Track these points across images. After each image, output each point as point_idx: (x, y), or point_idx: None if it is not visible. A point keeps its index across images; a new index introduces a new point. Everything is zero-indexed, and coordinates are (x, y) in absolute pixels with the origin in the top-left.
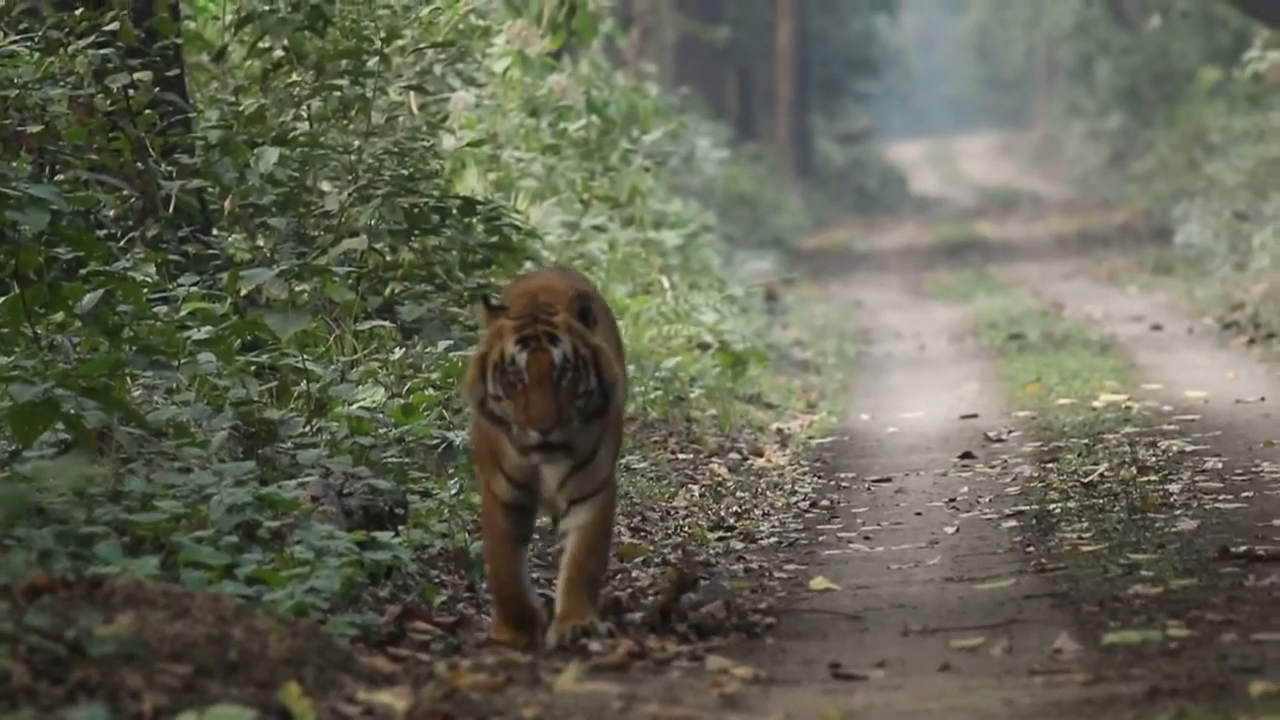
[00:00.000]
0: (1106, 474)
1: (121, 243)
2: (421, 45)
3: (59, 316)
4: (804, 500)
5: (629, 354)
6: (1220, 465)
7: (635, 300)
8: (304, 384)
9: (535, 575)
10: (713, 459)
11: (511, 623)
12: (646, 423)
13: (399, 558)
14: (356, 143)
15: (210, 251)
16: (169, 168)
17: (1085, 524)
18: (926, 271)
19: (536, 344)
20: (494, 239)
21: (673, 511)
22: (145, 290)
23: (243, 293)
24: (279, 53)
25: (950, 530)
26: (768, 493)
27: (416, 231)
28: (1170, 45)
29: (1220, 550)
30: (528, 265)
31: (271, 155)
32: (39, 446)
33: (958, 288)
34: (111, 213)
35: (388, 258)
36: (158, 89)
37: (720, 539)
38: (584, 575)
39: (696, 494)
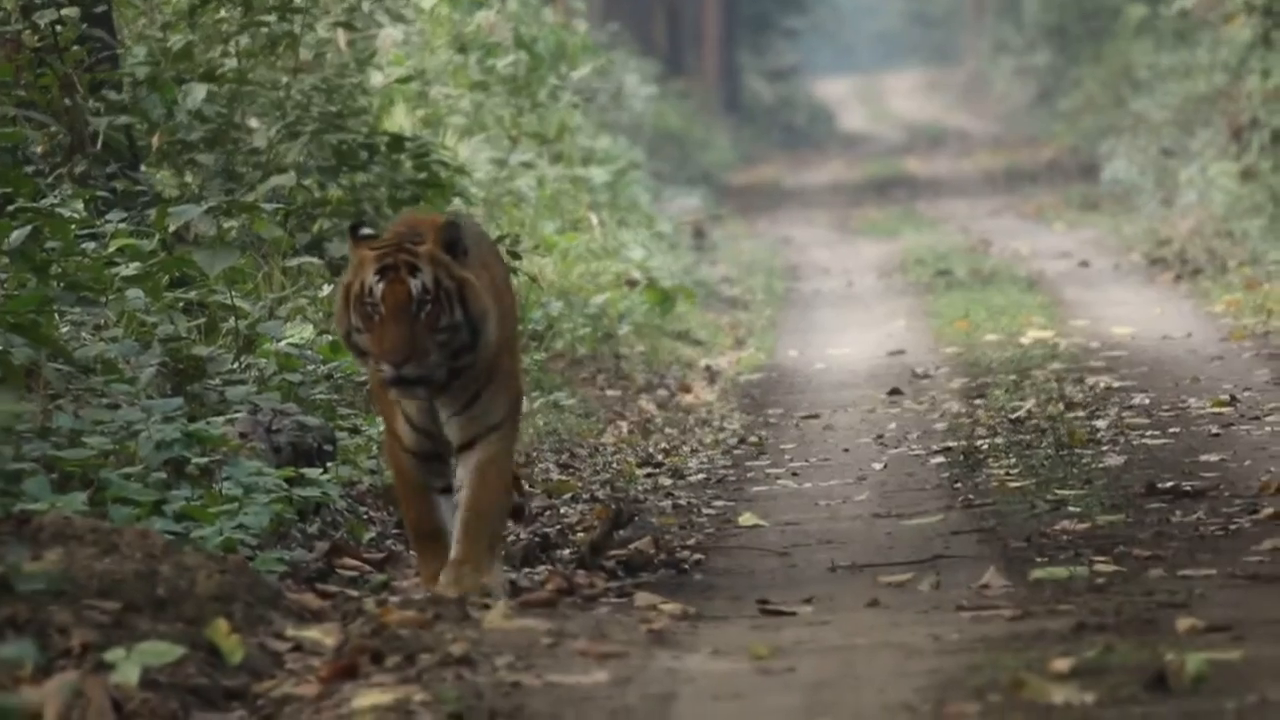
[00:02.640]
0: (1034, 410)
1: (49, 179)
2: None
3: None
4: (732, 437)
5: (557, 290)
6: (1147, 401)
7: (563, 237)
8: (232, 321)
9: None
10: (641, 395)
11: (437, 572)
12: (575, 359)
13: (327, 494)
14: (284, 79)
15: (138, 188)
16: (96, 104)
17: (1013, 460)
18: (854, 208)
19: (395, 274)
20: (422, 175)
21: (601, 448)
22: (73, 227)
23: (171, 229)
24: None
25: (878, 467)
26: (696, 429)
27: (345, 168)
28: None
29: (1147, 486)
30: (456, 202)
31: (199, 92)
32: None
33: (885, 224)
34: (39, 149)
35: (316, 194)
36: (85, 25)
37: (648, 475)
38: (479, 521)
39: (625, 431)
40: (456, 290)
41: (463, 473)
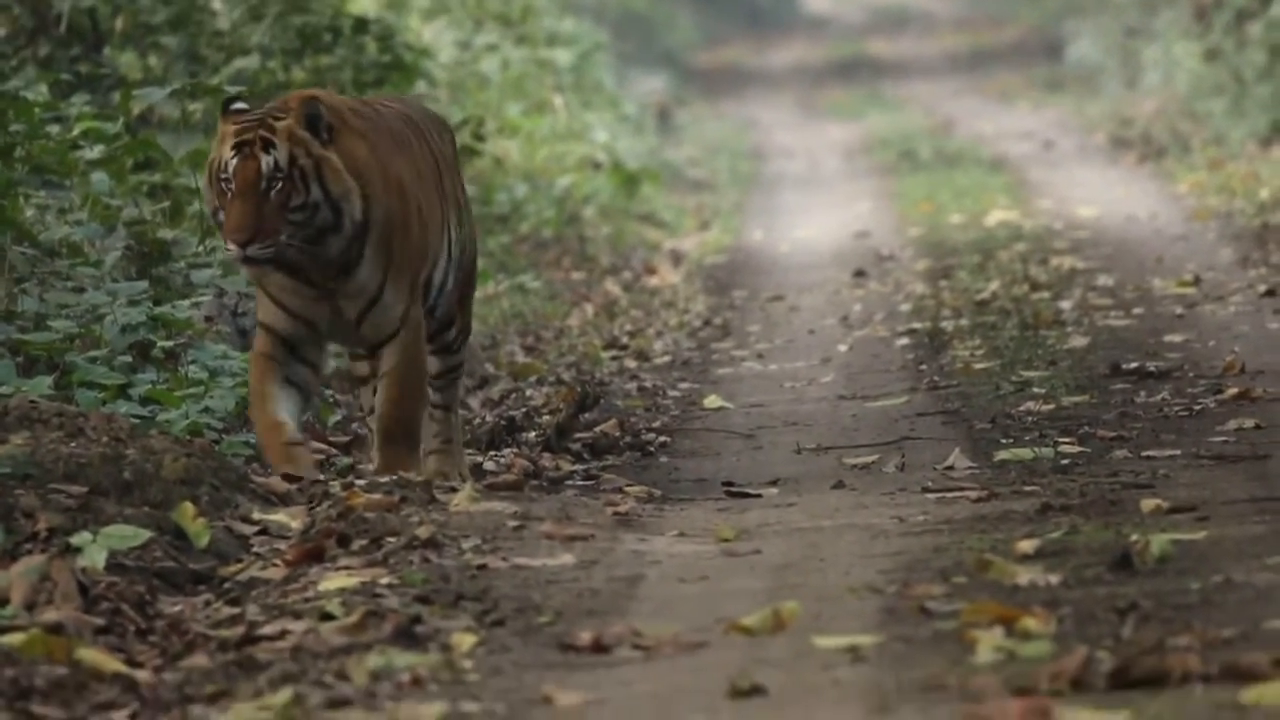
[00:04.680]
0: (998, 292)
1: (13, 62)
2: None
3: None
4: (697, 319)
5: (522, 173)
6: (1112, 282)
7: (528, 119)
8: (196, 204)
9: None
10: (606, 278)
11: (281, 468)
12: (540, 242)
13: None
14: None
15: (102, 71)
16: None
17: (978, 342)
18: (819, 90)
19: (250, 150)
20: (386, 58)
21: (566, 330)
22: (37, 110)
23: (135, 112)
24: None
25: (843, 349)
26: (661, 312)
27: (309, 51)
28: None
29: (1111, 367)
30: (420, 85)
31: None
32: None
33: (849, 106)
34: (2, 32)
35: (280, 77)
36: None
37: (614, 358)
38: (398, 423)
39: (590, 313)
40: (314, 168)
41: (379, 373)
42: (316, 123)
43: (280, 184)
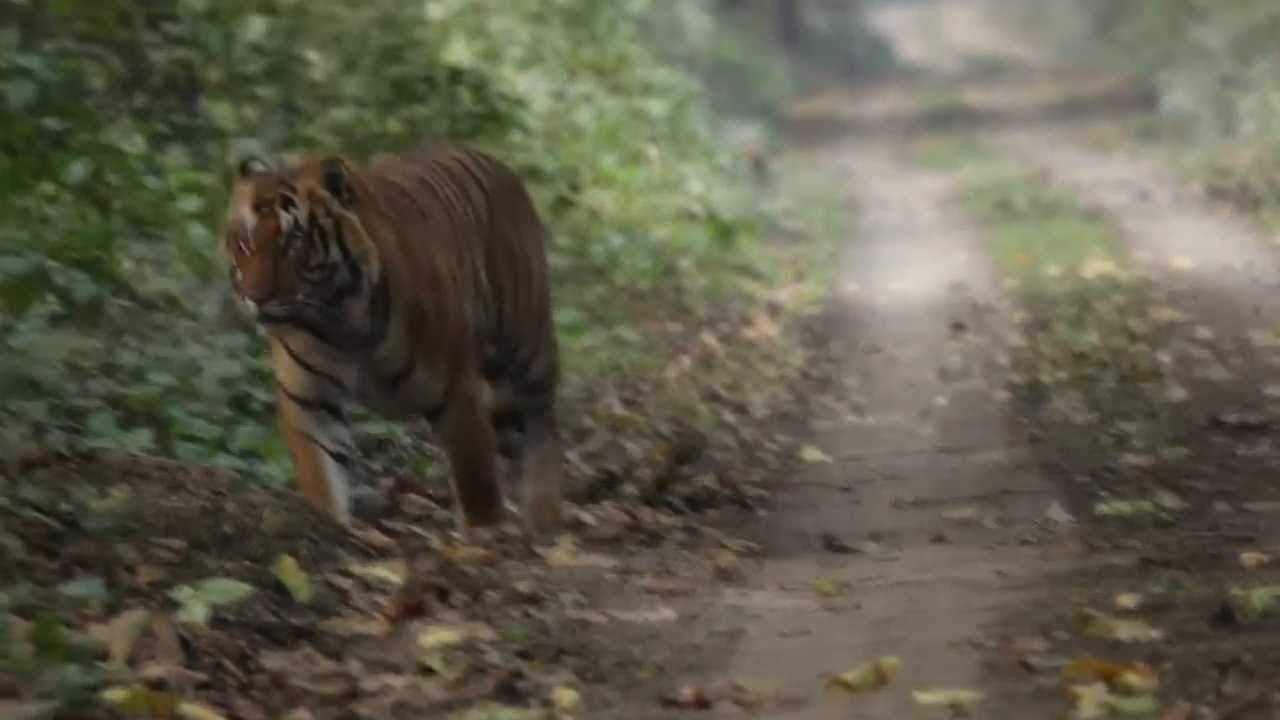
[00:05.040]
0: (1096, 344)
1: (109, 113)
2: None
3: (49, 188)
4: (795, 372)
5: (617, 224)
6: (1210, 333)
7: (623, 170)
8: None
9: None
10: (703, 330)
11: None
12: (636, 294)
13: (392, 431)
14: (343, 12)
15: (198, 122)
16: (155, 37)
17: (1076, 394)
18: (913, 139)
19: (268, 208)
20: (480, 108)
21: (664, 383)
22: (134, 162)
23: (231, 164)
24: None
25: (942, 401)
26: (759, 364)
27: (403, 101)
28: None
29: (1211, 419)
30: (515, 134)
31: (258, 24)
32: (31, 319)
33: (944, 156)
34: (98, 83)
35: (375, 127)
36: None
37: (712, 411)
38: (471, 490)
39: (688, 365)
40: (333, 228)
41: (440, 442)
42: (337, 183)
43: (299, 242)
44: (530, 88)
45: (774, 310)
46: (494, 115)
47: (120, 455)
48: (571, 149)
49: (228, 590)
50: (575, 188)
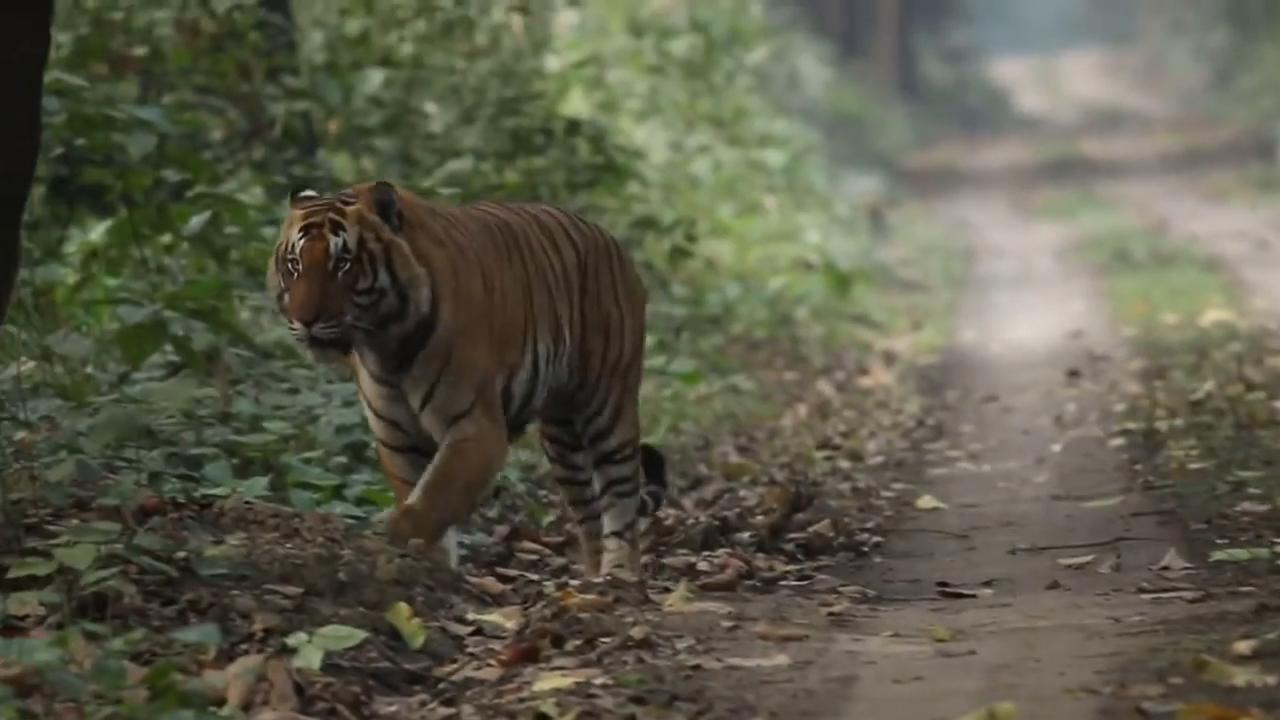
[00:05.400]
0: (1213, 391)
1: (228, 165)
2: None
3: (167, 239)
4: (910, 419)
5: (735, 274)
6: None
7: (740, 220)
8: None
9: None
10: (819, 378)
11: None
12: (753, 343)
13: (507, 478)
14: (461, 64)
15: (316, 173)
16: (274, 90)
17: (1192, 441)
18: (1031, 190)
19: (317, 231)
20: (599, 159)
21: (779, 431)
22: (252, 213)
23: None
24: None
25: (1057, 448)
26: (874, 412)
27: (521, 152)
28: None
29: None
30: (632, 185)
31: (376, 77)
32: (148, 368)
33: (1062, 206)
34: (217, 135)
35: (493, 179)
36: (263, 10)
37: (827, 458)
38: (438, 487)
39: (803, 413)
40: (382, 253)
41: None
42: (388, 209)
43: (348, 265)
44: (648, 139)
45: (890, 359)
46: (611, 166)
47: (236, 503)
48: (689, 199)
49: (342, 636)
50: (692, 238)
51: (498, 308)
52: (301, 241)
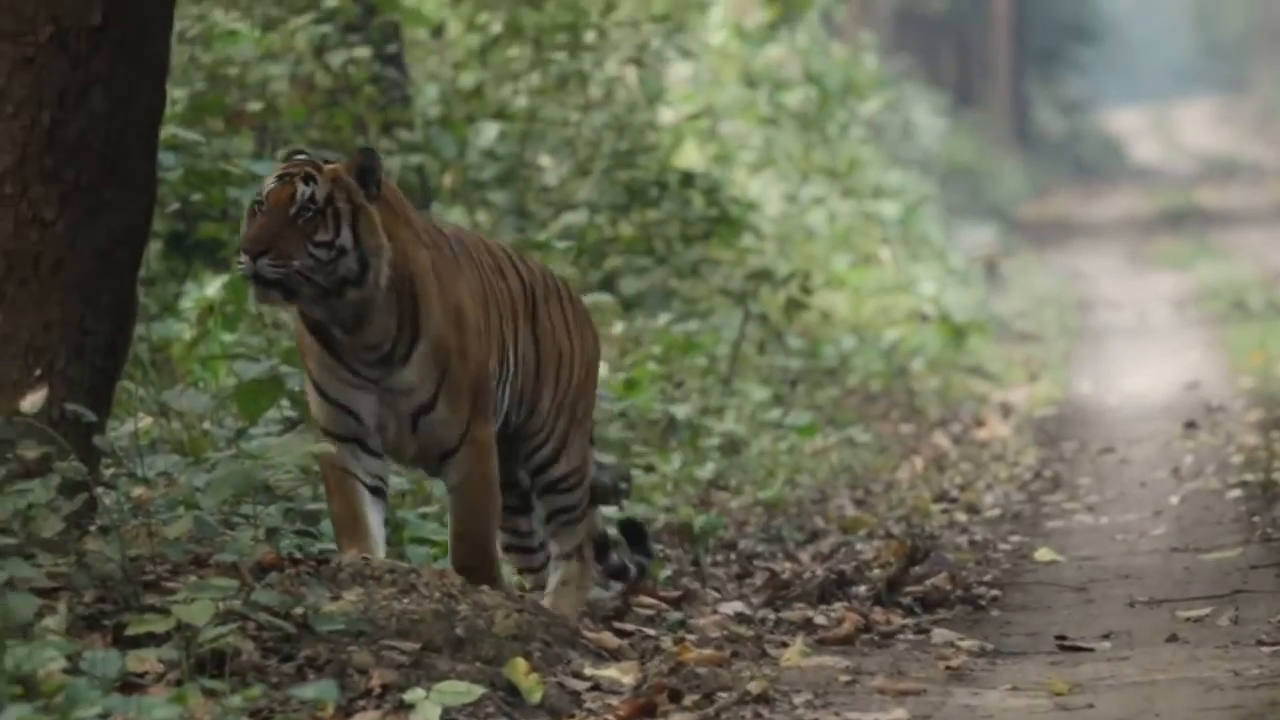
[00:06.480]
0: None
1: None
2: (638, 18)
3: None
4: (1027, 471)
5: (850, 326)
6: None
7: (855, 272)
8: None
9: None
10: (935, 430)
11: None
12: (868, 395)
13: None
14: (575, 117)
15: None
16: (389, 143)
17: None
18: (1146, 240)
19: (289, 179)
20: (713, 212)
21: (896, 484)
22: None
23: None
24: (497, 27)
25: (1174, 500)
26: (991, 464)
27: (636, 205)
28: None
29: None
30: (746, 237)
31: (490, 130)
32: (265, 424)
33: (1178, 256)
34: None
35: (607, 231)
36: (377, 65)
37: (943, 511)
38: (467, 543)
39: (919, 466)
40: (350, 213)
41: (447, 488)
42: (367, 176)
43: (310, 214)
44: (762, 191)
45: (1006, 411)
46: (726, 218)
47: (353, 558)
48: (803, 251)
49: (460, 692)
50: (807, 290)
51: (476, 313)
52: (271, 185)
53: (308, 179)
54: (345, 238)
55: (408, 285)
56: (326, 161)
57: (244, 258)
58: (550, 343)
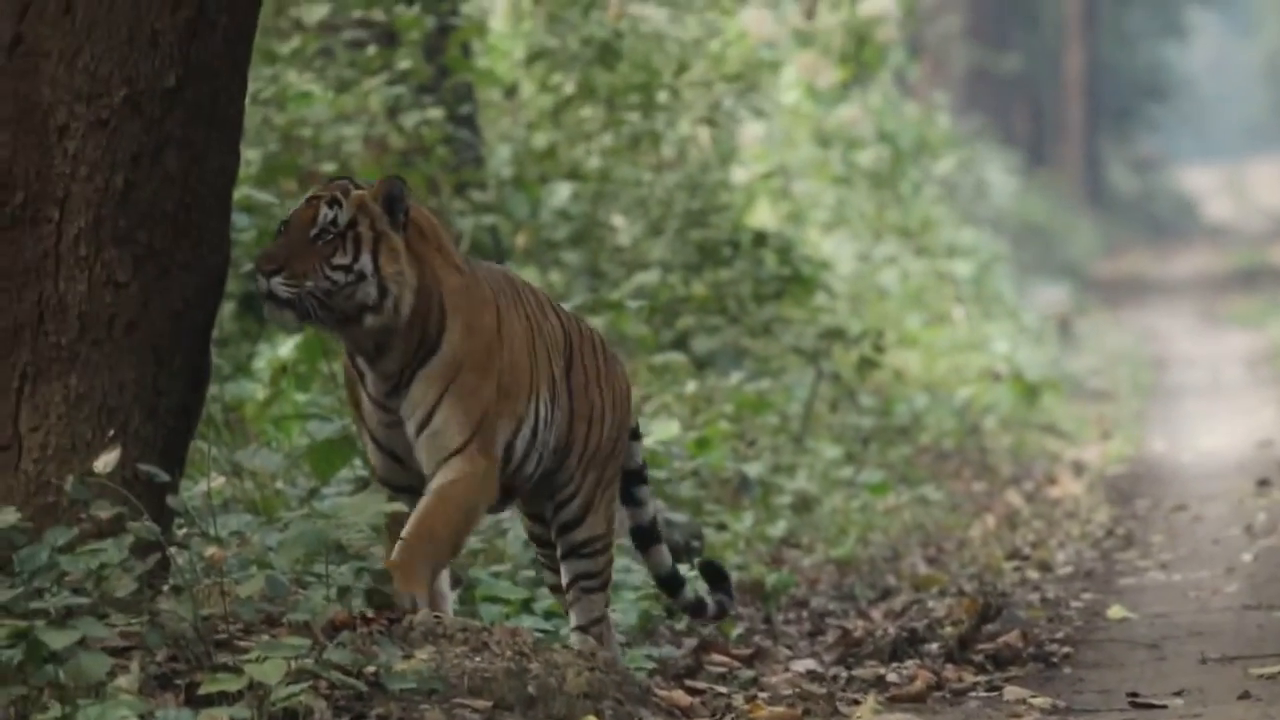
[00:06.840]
0: None
1: None
2: (711, 78)
3: None
4: (1099, 529)
5: (923, 384)
6: None
7: (928, 330)
8: None
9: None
10: (1007, 488)
11: None
12: (941, 453)
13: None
14: (648, 176)
15: None
16: (462, 204)
17: None
18: (1219, 298)
19: (314, 201)
20: (786, 271)
21: (968, 541)
22: None
23: None
24: (570, 88)
25: (1248, 558)
26: (1063, 522)
27: (708, 264)
28: None
29: None
30: (819, 296)
31: (564, 190)
32: (337, 483)
33: (1252, 314)
34: None
35: (680, 291)
36: (450, 126)
37: (1016, 569)
38: (423, 533)
39: (991, 524)
40: (371, 240)
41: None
42: (394, 204)
43: (331, 237)
44: (835, 250)
45: (1079, 469)
46: (798, 277)
47: (425, 617)
48: (876, 310)
49: None
50: (880, 349)
51: (507, 347)
52: (296, 208)
53: (333, 203)
54: (364, 263)
55: (436, 307)
56: (356, 186)
57: (260, 276)
58: (584, 397)
